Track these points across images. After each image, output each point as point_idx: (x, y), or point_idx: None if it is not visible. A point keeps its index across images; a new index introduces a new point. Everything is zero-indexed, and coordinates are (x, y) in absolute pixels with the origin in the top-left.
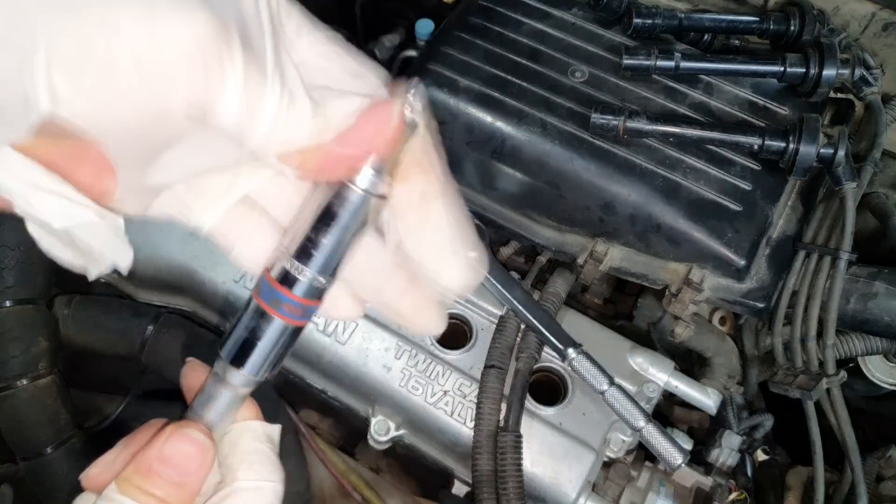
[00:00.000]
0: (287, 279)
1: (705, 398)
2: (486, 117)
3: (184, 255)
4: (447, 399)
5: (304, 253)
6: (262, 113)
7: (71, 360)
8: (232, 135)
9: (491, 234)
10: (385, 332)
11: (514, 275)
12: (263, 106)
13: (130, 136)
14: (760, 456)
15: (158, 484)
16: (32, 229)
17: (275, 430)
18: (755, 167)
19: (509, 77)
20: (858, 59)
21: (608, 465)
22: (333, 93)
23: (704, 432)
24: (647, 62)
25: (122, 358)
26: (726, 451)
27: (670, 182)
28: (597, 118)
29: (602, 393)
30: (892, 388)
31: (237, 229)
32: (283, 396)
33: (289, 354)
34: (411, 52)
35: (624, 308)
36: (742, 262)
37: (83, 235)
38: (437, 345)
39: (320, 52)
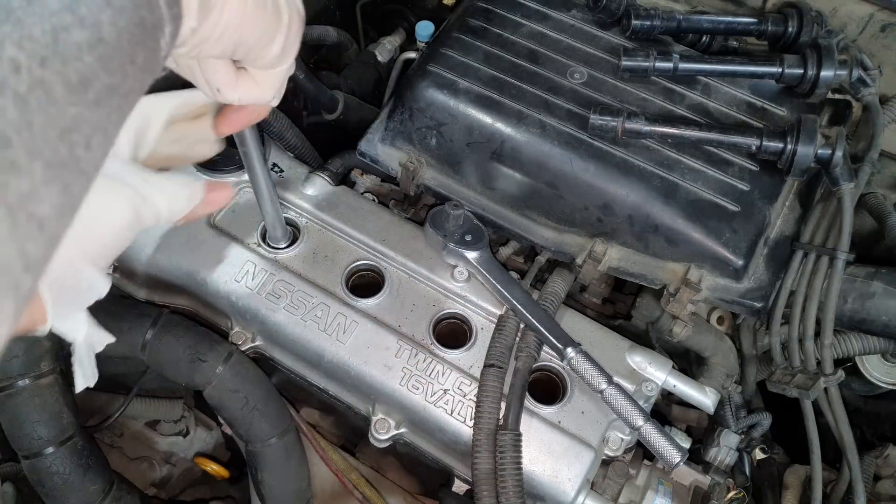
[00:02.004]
0: None
1: (703, 397)
2: (486, 118)
3: (185, 256)
4: (447, 398)
5: None
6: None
7: (72, 360)
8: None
9: (490, 234)
10: (385, 332)
11: (514, 275)
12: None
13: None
14: (758, 455)
15: None
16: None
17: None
18: (753, 168)
19: (509, 78)
20: (856, 61)
21: (607, 463)
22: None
23: (703, 431)
24: (646, 63)
25: (124, 357)
26: (724, 449)
27: (668, 182)
28: (595, 119)
29: (601, 392)
30: (890, 387)
31: None
32: (284, 395)
33: (290, 355)
34: (411, 54)
35: (622, 308)
36: (740, 262)
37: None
38: (437, 344)
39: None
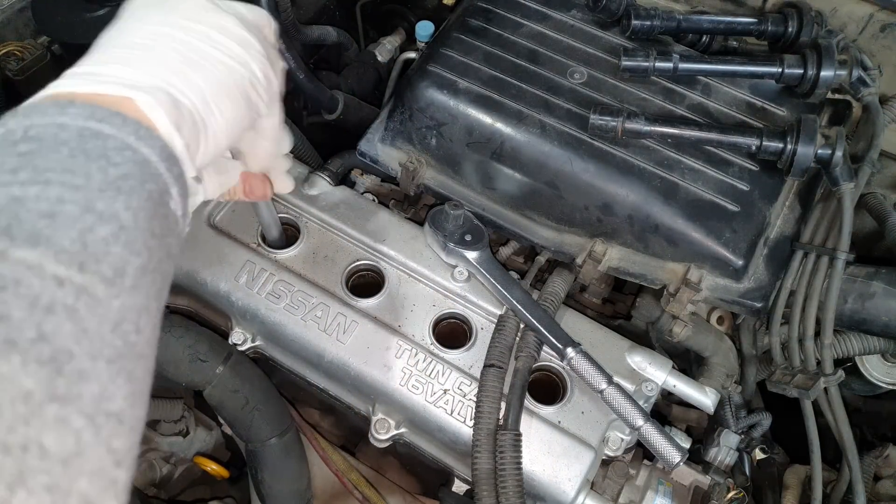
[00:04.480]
0: None
1: (703, 397)
2: (486, 118)
3: (184, 256)
4: (447, 398)
5: None
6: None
7: None
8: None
9: (490, 234)
10: (385, 332)
11: (514, 275)
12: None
13: None
14: (758, 455)
15: None
16: None
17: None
18: (753, 168)
19: (508, 78)
20: (856, 60)
21: (607, 463)
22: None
23: (702, 431)
24: (646, 63)
25: None
26: (724, 449)
27: (668, 182)
28: (595, 119)
29: (601, 392)
30: (890, 387)
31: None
32: (284, 395)
33: (290, 355)
34: (411, 54)
35: (622, 308)
36: (740, 262)
37: None
38: (437, 344)
39: None
